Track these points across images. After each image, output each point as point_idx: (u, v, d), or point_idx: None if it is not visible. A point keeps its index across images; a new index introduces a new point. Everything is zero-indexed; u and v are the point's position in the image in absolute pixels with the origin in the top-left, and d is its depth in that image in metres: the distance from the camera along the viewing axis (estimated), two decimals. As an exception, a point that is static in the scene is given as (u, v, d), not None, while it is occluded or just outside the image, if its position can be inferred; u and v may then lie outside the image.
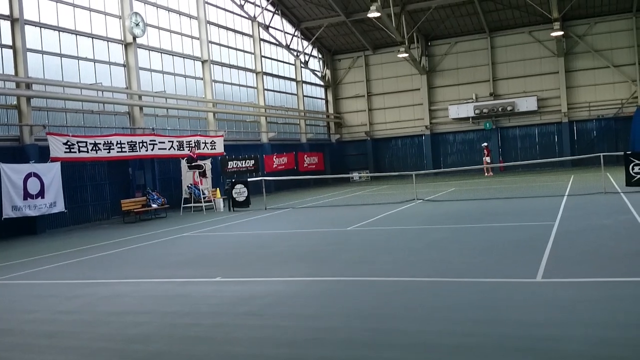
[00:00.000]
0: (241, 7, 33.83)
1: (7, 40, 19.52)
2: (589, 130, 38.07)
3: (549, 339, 5.33)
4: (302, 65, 40.28)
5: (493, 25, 38.84)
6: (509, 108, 38.23)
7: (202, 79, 29.80)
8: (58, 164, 19.39)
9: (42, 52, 20.95)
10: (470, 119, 39.82)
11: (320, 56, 42.92)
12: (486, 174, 34.97)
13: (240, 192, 22.76)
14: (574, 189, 20.67)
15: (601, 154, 20.15)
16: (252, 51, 34.92)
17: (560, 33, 34.70)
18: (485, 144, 36.85)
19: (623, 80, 36.69)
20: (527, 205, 16.93)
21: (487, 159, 35.15)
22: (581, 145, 37.54)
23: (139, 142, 22.81)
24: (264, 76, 35.49)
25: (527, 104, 38.16)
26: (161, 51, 27.01)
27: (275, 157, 34.34)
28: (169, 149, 24.55)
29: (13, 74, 19.46)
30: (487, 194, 21.45)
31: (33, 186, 18.43)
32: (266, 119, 35.12)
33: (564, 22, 36.25)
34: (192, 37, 29.39)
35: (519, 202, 17.88)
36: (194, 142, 25.87)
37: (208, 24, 30.34)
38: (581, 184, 22.61)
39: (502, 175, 34.66)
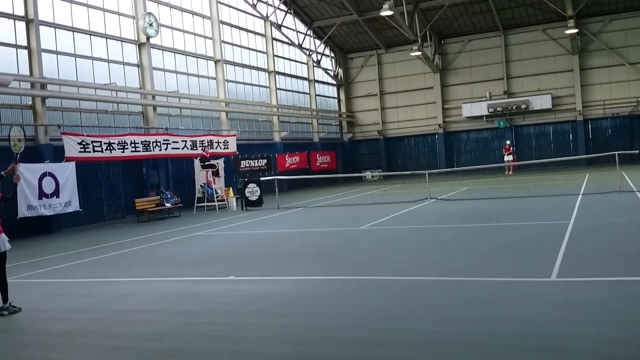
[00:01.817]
0: (254, 6, 33.90)
1: (22, 40, 19.71)
2: (604, 129, 37.73)
3: (561, 338, 5.29)
4: (315, 64, 40.29)
5: (507, 23, 38.60)
6: (523, 106, 37.97)
7: (214, 78, 29.90)
8: (73, 164, 19.56)
9: (57, 53, 21.13)
10: (484, 118, 39.60)
11: (332, 55, 42.89)
12: (506, 172, 34.57)
13: (252, 191, 22.82)
14: (588, 188, 20.49)
15: (616, 153, 19.97)
16: (265, 50, 34.98)
17: (575, 31, 34.41)
18: (508, 142, 36.64)
19: (638, 77, 36.29)
20: (542, 204, 16.81)
21: (508, 158, 34.81)
22: (596, 144, 37.19)
23: (152, 142, 22.93)
24: (277, 75, 35.53)
25: (542, 102, 37.89)
26: (174, 51, 27.14)
27: (287, 156, 34.38)
28: (182, 149, 24.67)
29: (28, 74, 19.65)
30: (501, 193, 21.33)
31: (48, 186, 18.59)
32: (278, 118, 35.17)
33: (579, 20, 35.92)
34: (205, 37, 29.50)
35: (533, 201, 17.76)
36: (207, 142, 25.96)
37: (221, 24, 30.43)
38: (596, 182, 22.41)
39: (517, 173, 34.42)
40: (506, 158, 34.87)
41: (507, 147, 35.65)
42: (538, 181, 26.21)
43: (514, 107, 38.20)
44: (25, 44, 19.74)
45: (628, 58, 36.42)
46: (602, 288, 7.06)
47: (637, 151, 21.28)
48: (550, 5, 34.67)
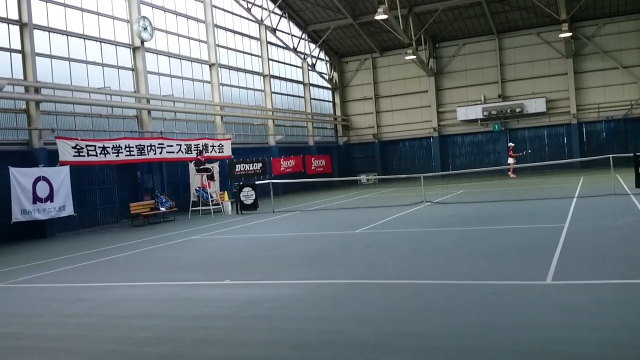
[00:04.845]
0: (248, 10, 33.92)
1: (16, 44, 19.64)
2: (598, 132, 37.88)
3: (559, 341, 5.28)
4: (310, 68, 40.31)
5: (501, 27, 38.74)
6: (517, 110, 38.09)
7: (209, 82, 29.87)
8: (67, 168, 19.48)
9: (51, 57, 21.06)
10: (479, 121, 39.71)
11: (327, 59, 42.94)
12: (510, 175, 34.22)
13: (248, 195, 22.78)
14: (583, 191, 20.55)
15: (610, 156, 20.04)
16: (260, 54, 34.99)
17: (569, 34, 34.55)
18: (512, 144, 36.35)
19: (632, 81, 36.49)
20: (537, 207, 16.83)
21: (510, 160, 34.47)
22: (590, 147, 37.35)
23: (147, 146, 22.88)
24: (272, 79, 35.54)
25: (536, 105, 38.02)
26: (169, 55, 27.11)
27: (282, 160, 34.37)
28: (177, 152, 24.62)
29: (22, 78, 19.58)
30: (496, 196, 21.36)
31: (42, 190, 18.51)
32: (273, 121, 35.16)
33: (573, 23, 36.09)
34: (200, 41, 29.49)
35: (528, 204, 17.79)
36: (202, 145, 25.91)
37: (215, 28, 30.42)
38: (591, 185, 22.48)
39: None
40: (510, 161, 34.40)
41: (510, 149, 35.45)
42: (533, 184, 26.26)
43: (508, 111, 38.32)
44: (19, 47, 19.67)
45: (622, 61, 36.60)
46: (598, 291, 7.06)
47: None
48: (544, 9, 34.80)
